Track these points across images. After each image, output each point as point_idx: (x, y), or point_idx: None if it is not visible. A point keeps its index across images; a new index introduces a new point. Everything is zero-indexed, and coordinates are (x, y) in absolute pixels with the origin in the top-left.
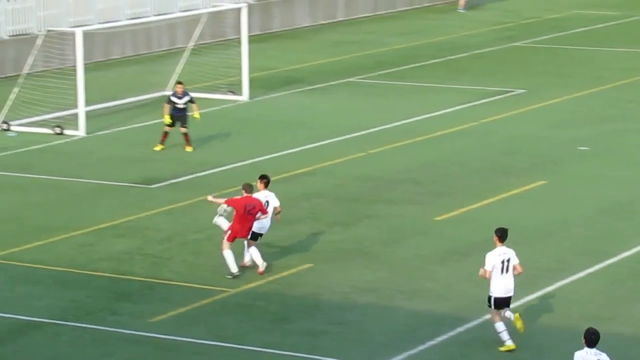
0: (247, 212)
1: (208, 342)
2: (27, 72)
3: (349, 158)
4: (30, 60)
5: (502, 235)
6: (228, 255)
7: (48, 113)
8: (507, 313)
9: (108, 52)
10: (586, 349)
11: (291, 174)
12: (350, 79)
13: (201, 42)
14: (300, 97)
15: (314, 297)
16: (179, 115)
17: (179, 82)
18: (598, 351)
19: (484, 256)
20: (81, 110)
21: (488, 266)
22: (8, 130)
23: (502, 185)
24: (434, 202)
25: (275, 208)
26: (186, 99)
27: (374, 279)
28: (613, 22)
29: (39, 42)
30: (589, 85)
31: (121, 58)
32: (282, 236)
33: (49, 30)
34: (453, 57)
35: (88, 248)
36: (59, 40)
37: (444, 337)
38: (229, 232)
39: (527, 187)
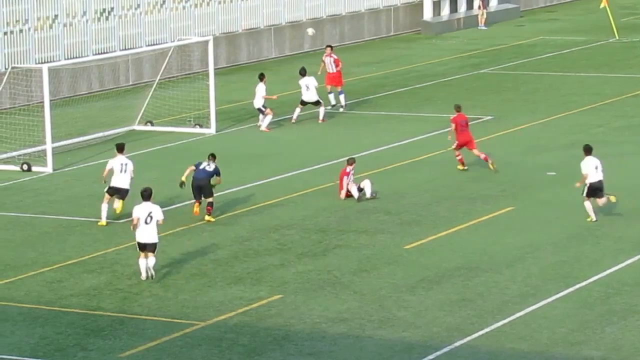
0: None
1: None
2: None
3: (317, 188)
4: None
5: None
6: None
7: (15, 150)
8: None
9: (75, 87)
10: None
11: (259, 205)
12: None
13: (168, 75)
14: None
15: (284, 328)
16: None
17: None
18: None
19: (454, 283)
20: (48, 146)
21: None
22: None
23: (470, 212)
24: (403, 231)
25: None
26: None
27: (344, 309)
28: (579, 48)
29: (4, 79)
30: (556, 110)
31: (88, 93)
32: (251, 268)
33: (14, 67)
34: (420, 85)
35: (57, 284)
36: (25, 77)
37: None
38: None
39: (495, 214)
